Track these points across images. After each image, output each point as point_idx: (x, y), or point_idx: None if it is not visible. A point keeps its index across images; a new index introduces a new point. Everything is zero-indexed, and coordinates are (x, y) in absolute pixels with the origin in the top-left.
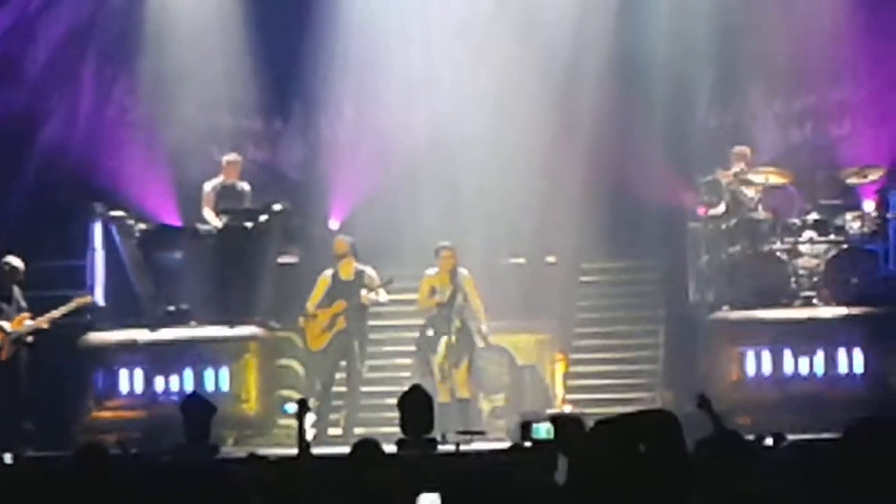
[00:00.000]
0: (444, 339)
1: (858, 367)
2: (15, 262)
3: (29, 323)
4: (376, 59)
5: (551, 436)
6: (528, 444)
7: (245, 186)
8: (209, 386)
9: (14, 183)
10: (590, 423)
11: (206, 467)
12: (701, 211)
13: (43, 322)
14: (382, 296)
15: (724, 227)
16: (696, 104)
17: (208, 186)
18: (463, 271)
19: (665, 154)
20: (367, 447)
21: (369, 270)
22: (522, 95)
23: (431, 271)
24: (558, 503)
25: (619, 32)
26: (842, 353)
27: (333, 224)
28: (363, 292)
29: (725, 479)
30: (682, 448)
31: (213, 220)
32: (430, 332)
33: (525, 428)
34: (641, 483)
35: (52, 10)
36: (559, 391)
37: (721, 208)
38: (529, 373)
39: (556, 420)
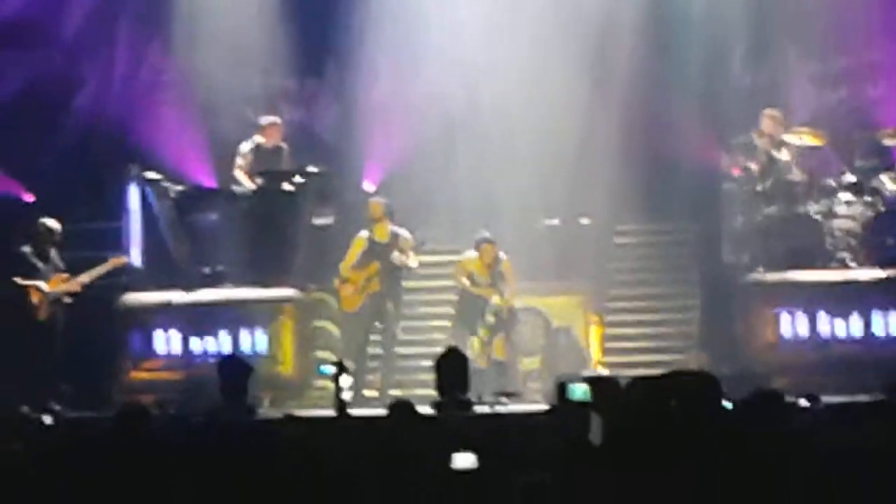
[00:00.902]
0: (482, 321)
1: (894, 330)
2: (51, 223)
3: (65, 284)
4: (411, 20)
5: (587, 397)
6: (563, 404)
7: (284, 148)
8: (245, 347)
9: (50, 145)
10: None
11: (243, 428)
12: (735, 172)
13: (79, 283)
14: (413, 261)
15: (759, 188)
16: (731, 65)
17: (245, 147)
18: (502, 256)
19: (699, 115)
20: (402, 408)
21: (404, 233)
22: (556, 56)
23: (471, 255)
24: (593, 462)
25: None
26: (877, 316)
27: (368, 186)
28: (395, 254)
29: (762, 440)
30: (719, 409)
31: (246, 182)
32: (468, 315)
33: (561, 388)
34: (677, 442)
35: None
36: (594, 353)
37: (755, 169)
38: (564, 335)
39: (592, 381)
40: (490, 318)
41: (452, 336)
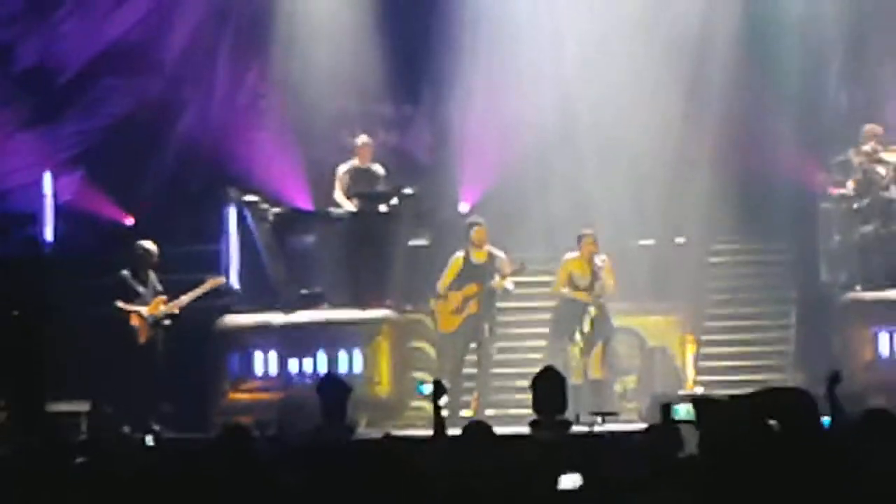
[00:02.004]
0: (580, 327)
1: None
2: (149, 246)
3: (164, 307)
4: (505, 41)
5: (692, 416)
6: (668, 424)
7: (379, 169)
8: (342, 368)
9: (150, 169)
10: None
11: (342, 448)
12: (832, 191)
13: (178, 305)
14: (510, 284)
15: (855, 206)
16: (828, 82)
17: (342, 170)
18: (601, 257)
19: (796, 133)
20: (476, 429)
21: (501, 254)
22: (651, 75)
23: (572, 255)
24: (694, 479)
25: (749, 10)
26: None
27: (463, 207)
28: (496, 278)
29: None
30: (817, 426)
31: (346, 204)
32: (567, 321)
33: (665, 408)
34: (776, 458)
35: None
36: (690, 372)
37: (852, 187)
38: (660, 354)
39: (696, 401)
40: (587, 327)
41: (549, 350)
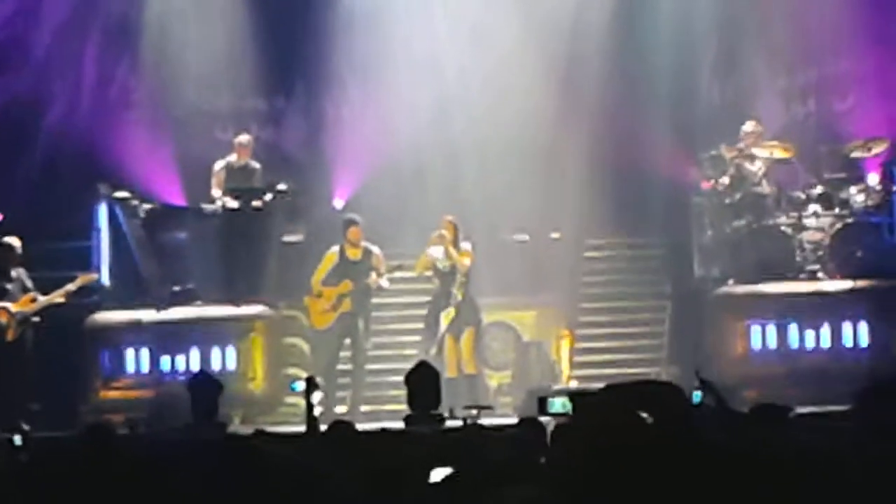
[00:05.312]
0: (444, 311)
1: (864, 340)
2: (11, 241)
3: (32, 304)
4: (379, 37)
5: (568, 410)
6: (544, 418)
7: (256, 166)
8: (215, 365)
9: (20, 165)
10: None
11: (213, 445)
12: (705, 185)
13: (46, 302)
14: (385, 281)
15: (728, 201)
16: (699, 79)
17: (218, 166)
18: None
19: (668, 129)
20: (339, 429)
21: (376, 251)
22: (525, 71)
23: (437, 250)
24: (567, 473)
25: (622, 7)
26: (847, 327)
27: (338, 203)
28: (372, 275)
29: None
30: (688, 419)
31: (223, 201)
32: (434, 307)
33: (542, 402)
34: (647, 452)
35: None
36: (565, 367)
37: (725, 183)
38: (535, 349)
39: (572, 394)
40: (457, 294)
41: (421, 343)
